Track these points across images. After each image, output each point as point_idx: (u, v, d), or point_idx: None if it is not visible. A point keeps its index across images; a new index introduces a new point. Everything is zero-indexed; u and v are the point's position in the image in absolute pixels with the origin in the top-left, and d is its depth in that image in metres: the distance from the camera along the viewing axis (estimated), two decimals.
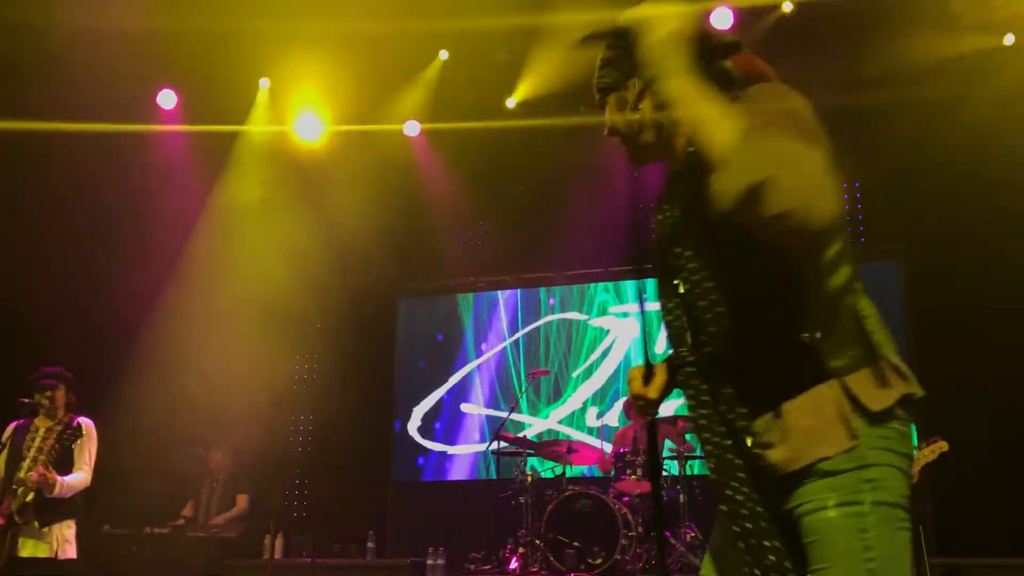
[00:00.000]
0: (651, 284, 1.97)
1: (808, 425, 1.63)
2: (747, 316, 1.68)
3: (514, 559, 6.76)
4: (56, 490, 4.81)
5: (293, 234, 7.53)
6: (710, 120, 1.58)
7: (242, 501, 7.42)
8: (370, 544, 6.88)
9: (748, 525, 1.63)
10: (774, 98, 1.67)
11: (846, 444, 1.61)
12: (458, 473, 8.54)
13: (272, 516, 6.97)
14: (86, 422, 5.07)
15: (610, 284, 8.64)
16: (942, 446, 5.10)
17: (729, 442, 1.69)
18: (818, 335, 1.63)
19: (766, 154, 1.49)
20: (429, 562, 6.50)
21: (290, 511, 7.46)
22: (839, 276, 1.67)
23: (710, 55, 1.81)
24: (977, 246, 6.75)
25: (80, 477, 4.99)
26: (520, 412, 8.34)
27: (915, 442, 6.35)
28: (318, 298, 8.04)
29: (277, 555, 6.93)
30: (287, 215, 7.70)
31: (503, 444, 7.26)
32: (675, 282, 1.80)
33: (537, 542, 6.63)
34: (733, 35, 1.86)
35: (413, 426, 8.74)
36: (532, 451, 7.33)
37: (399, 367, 8.95)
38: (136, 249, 7.40)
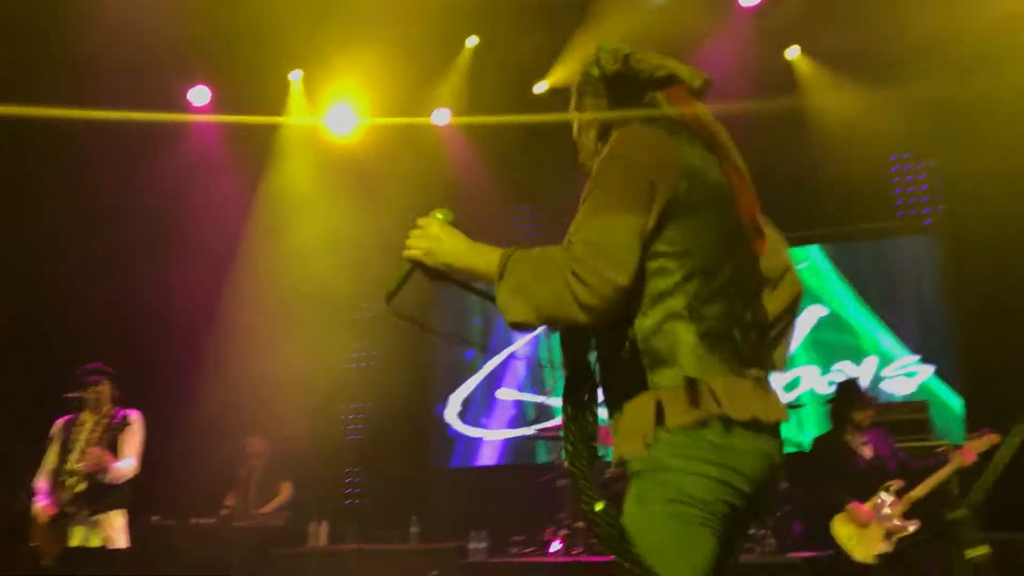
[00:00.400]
0: None
1: (626, 427, 1.92)
2: (598, 334, 2.02)
3: (556, 541, 6.78)
4: (110, 473, 4.89)
5: (333, 225, 7.58)
6: (484, 277, 1.97)
7: (286, 489, 7.46)
8: (413, 529, 6.93)
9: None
10: (609, 156, 1.95)
11: (639, 447, 1.86)
12: (497, 458, 8.57)
13: (316, 504, 7.06)
14: (133, 414, 5.15)
15: None
16: (992, 439, 5.05)
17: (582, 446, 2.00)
18: (635, 353, 1.91)
19: (514, 288, 1.88)
20: (472, 546, 6.53)
21: (333, 498, 7.54)
22: (658, 311, 1.91)
23: (640, 89, 2.08)
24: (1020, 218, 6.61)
25: (130, 464, 5.05)
26: (557, 396, 8.33)
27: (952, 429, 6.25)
28: (356, 287, 8.10)
29: (322, 542, 7.01)
30: (326, 206, 7.75)
31: (541, 428, 7.27)
32: None
33: (579, 524, 6.63)
34: (669, 70, 2.07)
35: (451, 412, 8.78)
36: None
37: (437, 353, 8.98)
38: (181, 243, 7.48)
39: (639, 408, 1.89)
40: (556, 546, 6.75)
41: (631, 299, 1.88)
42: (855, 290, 7.85)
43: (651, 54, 2.10)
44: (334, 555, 6.83)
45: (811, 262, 8.03)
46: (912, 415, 6.37)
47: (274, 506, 7.33)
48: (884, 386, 7.46)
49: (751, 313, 1.98)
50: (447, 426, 8.72)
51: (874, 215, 7.84)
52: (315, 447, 7.69)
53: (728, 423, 1.85)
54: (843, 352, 7.72)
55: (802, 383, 7.81)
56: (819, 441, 5.47)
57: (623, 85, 2.10)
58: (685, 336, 1.88)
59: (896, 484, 5.06)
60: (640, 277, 1.86)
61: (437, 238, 2.04)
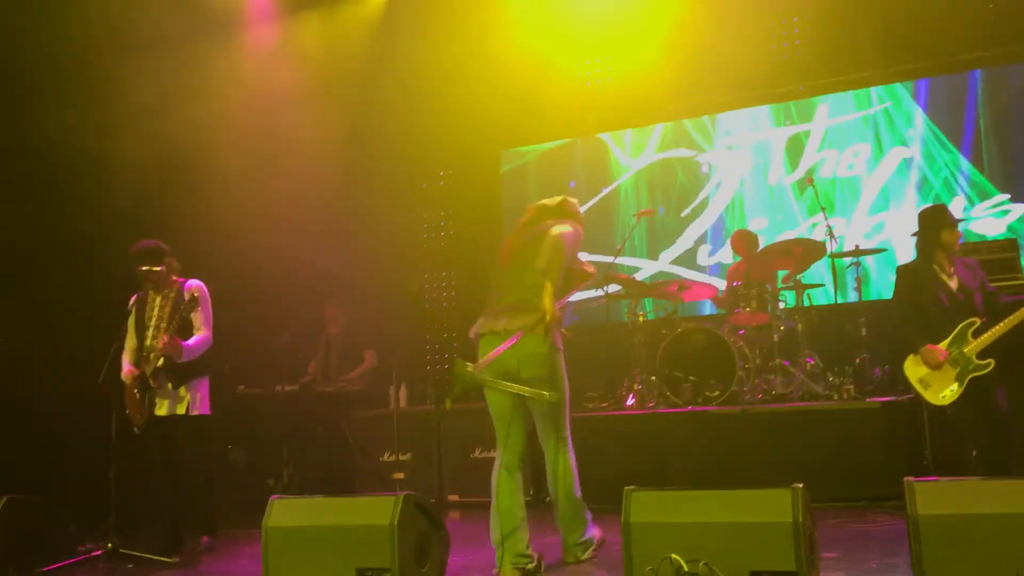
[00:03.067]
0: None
1: None
2: None
3: (630, 396, 6.82)
4: (182, 355, 5.01)
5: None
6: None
7: (370, 356, 7.62)
8: None
9: None
10: None
11: None
12: (569, 319, 8.56)
13: (396, 368, 7.20)
14: (196, 285, 5.18)
15: (718, 116, 8.26)
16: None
17: None
18: None
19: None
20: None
21: (412, 362, 7.68)
22: None
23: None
24: None
25: (201, 338, 5.15)
26: (628, 256, 8.24)
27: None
28: (426, 150, 8.04)
29: (403, 404, 7.20)
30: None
31: (613, 287, 7.21)
32: None
33: (653, 379, 6.64)
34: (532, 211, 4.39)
35: None
36: (642, 292, 7.25)
37: (507, 217, 8.92)
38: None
39: None
40: (630, 400, 6.80)
41: None
42: (940, 128, 7.42)
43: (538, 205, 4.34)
44: (413, 416, 7.01)
45: (893, 101, 7.60)
46: (1001, 254, 6.08)
47: (358, 373, 7.51)
48: (972, 227, 7.12)
49: (495, 292, 4.13)
50: None
51: (962, 46, 7.32)
52: (392, 313, 7.79)
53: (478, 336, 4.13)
54: (928, 194, 7.37)
55: (885, 228, 7.53)
56: (904, 269, 5.22)
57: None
58: None
59: (976, 322, 4.81)
60: None
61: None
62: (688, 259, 8.23)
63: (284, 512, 3.72)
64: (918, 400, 5.04)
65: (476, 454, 6.64)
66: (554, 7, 8.20)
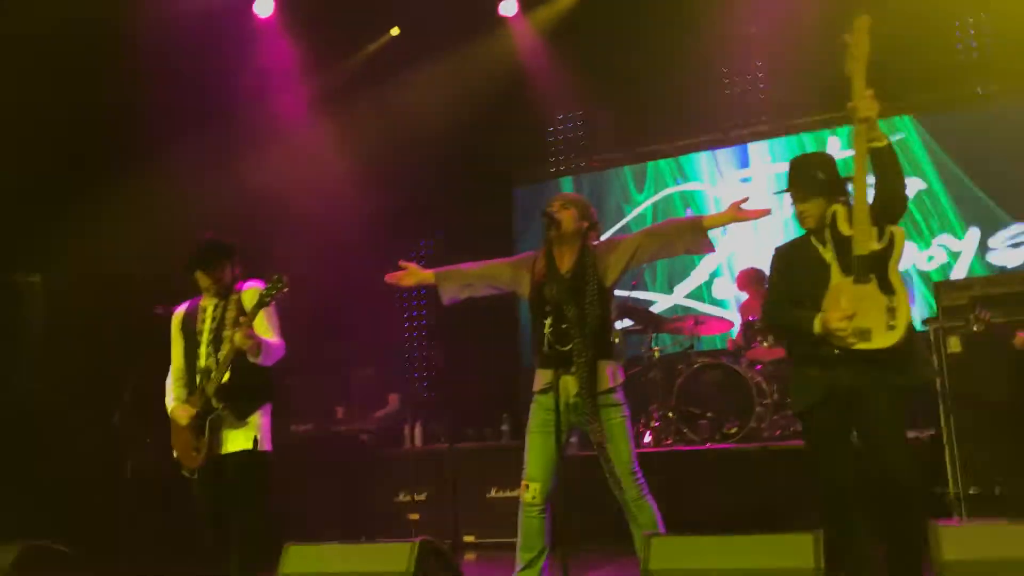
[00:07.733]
0: None
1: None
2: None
3: (647, 434, 6.75)
4: (261, 351, 3.97)
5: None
6: None
7: (393, 400, 7.69)
8: (504, 427, 7.00)
9: None
10: None
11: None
12: None
13: (410, 406, 7.18)
14: (254, 286, 4.15)
15: (729, 150, 8.26)
16: None
17: None
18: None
19: None
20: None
21: (427, 401, 7.67)
22: None
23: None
24: None
25: (276, 342, 4.11)
26: (644, 290, 8.21)
27: None
28: (431, 189, 8.07)
29: (417, 443, 7.16)
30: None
31: (629, 322, 7.17)
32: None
33: (669, 415, 6.58)
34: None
35: None
36: (657, 327, 7.21)
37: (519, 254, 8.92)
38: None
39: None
40: (647, 438, 6.73)
41: None
42: (954, 159, 7.39)
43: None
44: (429, 455, 6.96)
45: (907, 133, 7.58)
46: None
47: (382, 415, 7.56)
48: (991, 257, 7.07)
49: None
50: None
51: (972, 80, 7.32)
52: (406, 356, 7.83)
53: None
54: (943, 225, 7.32)
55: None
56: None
57: None
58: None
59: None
60: None
61: None
62: (703, 292, 8.19)
63: (299, 559, 3.69)
64: (939, 436, 4.94)
65: (492, 494, 6.58)
66: None
